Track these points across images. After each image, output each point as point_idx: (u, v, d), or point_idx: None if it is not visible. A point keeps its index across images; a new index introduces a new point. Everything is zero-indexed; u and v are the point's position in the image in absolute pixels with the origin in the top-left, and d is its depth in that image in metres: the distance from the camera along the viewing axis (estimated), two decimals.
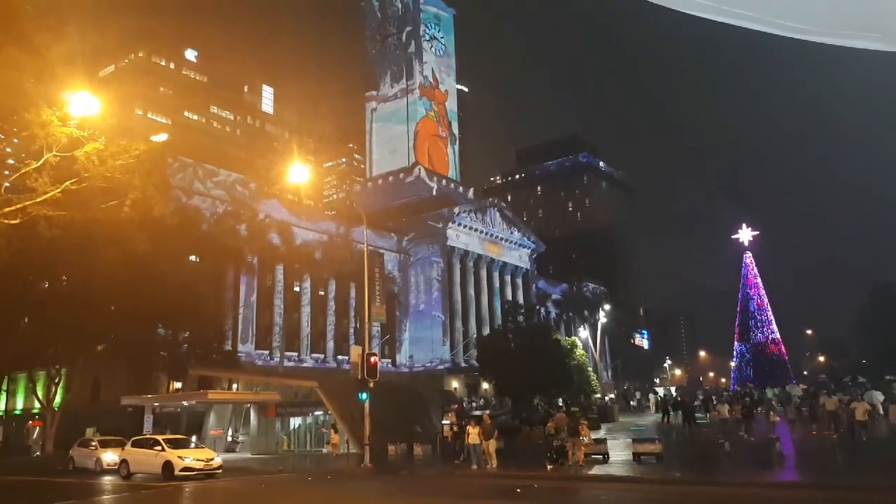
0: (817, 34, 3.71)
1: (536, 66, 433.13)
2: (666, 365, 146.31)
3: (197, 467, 25.95)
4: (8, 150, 28.37)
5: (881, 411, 36.71)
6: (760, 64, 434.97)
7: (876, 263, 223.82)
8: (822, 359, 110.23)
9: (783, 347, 75.39)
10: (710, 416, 42.20)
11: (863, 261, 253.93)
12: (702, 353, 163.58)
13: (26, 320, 43.11)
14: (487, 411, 26.66)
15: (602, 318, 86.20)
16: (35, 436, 49.80)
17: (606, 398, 67.88)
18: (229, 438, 44.38)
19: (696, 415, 40.85)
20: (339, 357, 68.78)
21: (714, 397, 55.51)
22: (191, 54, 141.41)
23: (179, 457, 25.98)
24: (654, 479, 21.10)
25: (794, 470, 22.20)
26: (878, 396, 51.55)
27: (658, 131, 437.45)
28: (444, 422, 38.55)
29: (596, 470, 23.62)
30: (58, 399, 45.39)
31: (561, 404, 54.09)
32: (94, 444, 32.78)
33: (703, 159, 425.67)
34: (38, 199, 23.88)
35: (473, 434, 25.13)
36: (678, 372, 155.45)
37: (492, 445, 24.79)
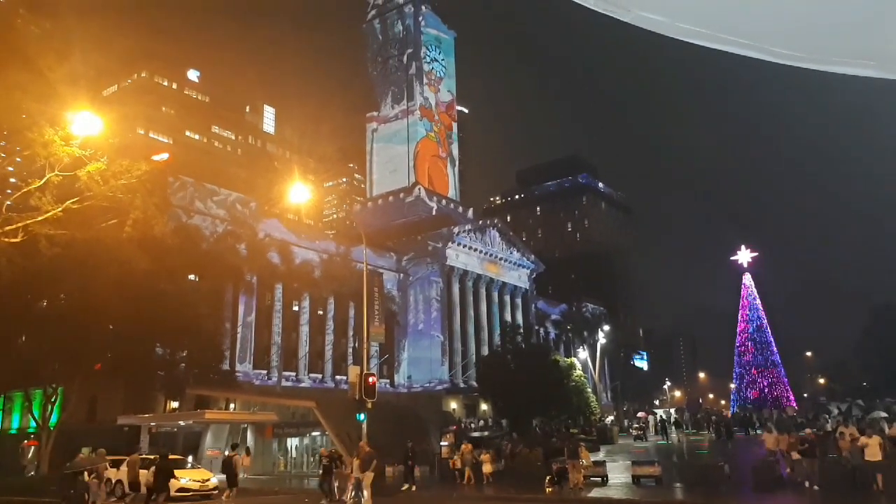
0: (811, 61, 3.78)
1: (536, 88, 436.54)
2: (665, 386, 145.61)
3: (193, 488, 25.79)
4: (10, 168, 28.51)
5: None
6: (756, 88, 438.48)
7: (876, 285, 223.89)
8: (822, 381, 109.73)
9: (783, 369, 75.10)
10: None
11: (863, 283, 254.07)
12: (701, 375, 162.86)
13: (24, 338, 42.95)
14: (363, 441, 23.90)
15: (601, 339, 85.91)
16: (30, 455, 49.37)
17: (606, 420, 67.52)
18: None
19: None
20: (338, 377, 68.42)
21: (714, 418, 55.02)
22: (193, 74, 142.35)
23: (175, 477, 25.79)
24: (653, 501, 20.97)
25: (794, 494, 22.04)
26: (881, 415, 51.08)
27: (657, 153, 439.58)
28: (442, 443, 38.34)
29: (595, 492, 23.47)
30: (54, 418, 45.08)
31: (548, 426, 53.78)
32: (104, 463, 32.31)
33: (702, 181, 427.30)
34: (40, 218, 23.96)
35: (354, 466, 23.00)
36: (678, 393, 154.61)
37: (368, 478, 22.23)
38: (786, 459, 24.05)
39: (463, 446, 31.66)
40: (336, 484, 24.72)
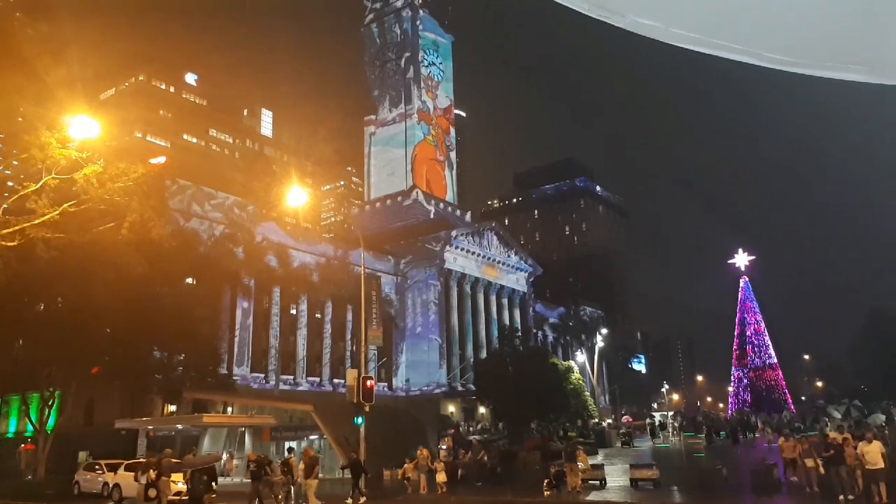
0: (803, 66, 3.80)
1: (534, 92, 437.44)
2: (663, 389, 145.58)
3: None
4: (7, 172, 28.48)
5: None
6: (751, 93, 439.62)
7: (872, 288, 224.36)
8: (819, 384, 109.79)
9: (780, 372, 75.17)
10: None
11: (859, 285, 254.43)
12: (699, 378, 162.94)
13: (21, 342, 42.87)
14: (305, 444, 22.09)
15: (599, 342, 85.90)
16: (27, 459, 49.17)
17: (604, 423, 67.42)
18: (223, 462, 43.97)
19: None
20: (335, 380, 68.34)
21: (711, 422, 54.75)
22: (191, 78, 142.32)
23: (173, 481, 25.69)
24: None
25: (794, 497, 22.02)
26: (880, 418, 50.99)
27: (654, 157, 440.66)
28: (440, 447, 38.19)
29: (593, 496, 23.46)
30: (51, 422, 44.95)
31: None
32: (99, 467, 32.26)
33: (700, 185, 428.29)
34: (37, 221, 23.93)
35: (299, 471, 22.03)
36: (675, 397, 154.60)
37: (312, 486, 21.03)
38: (792, 467, 22.89)
39: (419, 452, 29.11)
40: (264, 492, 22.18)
